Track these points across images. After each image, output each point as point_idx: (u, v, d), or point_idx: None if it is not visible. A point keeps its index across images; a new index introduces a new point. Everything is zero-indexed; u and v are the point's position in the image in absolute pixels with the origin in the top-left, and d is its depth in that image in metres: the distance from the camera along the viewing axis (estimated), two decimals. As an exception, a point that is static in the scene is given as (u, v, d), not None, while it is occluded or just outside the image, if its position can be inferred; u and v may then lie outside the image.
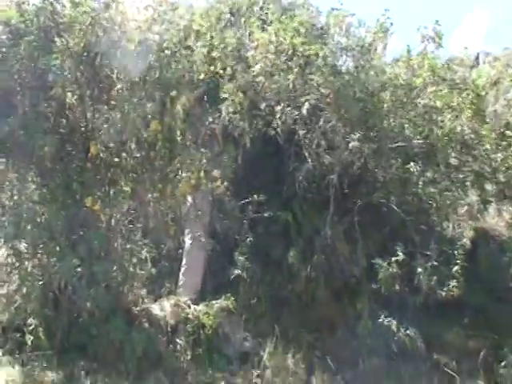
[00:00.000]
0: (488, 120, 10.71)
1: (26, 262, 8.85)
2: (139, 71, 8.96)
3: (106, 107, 8.86)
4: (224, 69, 9.84)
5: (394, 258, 10.06)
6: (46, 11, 8.68)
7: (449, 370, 9.78)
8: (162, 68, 9.08)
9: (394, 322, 10.17)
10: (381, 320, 10.24)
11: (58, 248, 8.66)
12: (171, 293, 10.49)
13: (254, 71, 9.98)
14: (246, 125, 9.84)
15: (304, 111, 10.00)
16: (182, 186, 9.46)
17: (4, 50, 8.50)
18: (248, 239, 10.67)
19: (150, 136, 9.23)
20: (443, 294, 10.02)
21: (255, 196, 10.62)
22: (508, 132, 10.67)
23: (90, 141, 8.98)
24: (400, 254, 10.07)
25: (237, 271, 10.48)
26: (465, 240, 11.00)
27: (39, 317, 8.82)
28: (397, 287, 10.09)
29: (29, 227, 8.63)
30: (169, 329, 9.61)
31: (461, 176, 10.89)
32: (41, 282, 8.69)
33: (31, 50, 8.43)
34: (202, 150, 9.80)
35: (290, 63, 10.10)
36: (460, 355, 10.23)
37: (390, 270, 10.06)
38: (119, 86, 8.87)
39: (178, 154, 9.40)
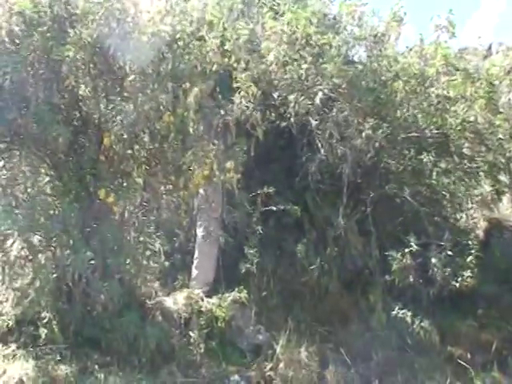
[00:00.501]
0: (501, 110, 10.62)
1: (40, 255, 8.77)
2: (152, 63, 8.87)
3: (118, 99, 8.75)
4: (237, 60, 9.74)
5: (407, 250, 9.99)
6: (60, 1, 8.58)
7: (463, 362, 9.72)
8: (174, 59, 8.97)
9: (409, 314, 10.13)
10: (395, 312, 10.19)
11: (71, 241, 8.55)
12: (184, 286, 10.44)
13: (267, 61, 9.89)
14: (259, 116, 9.74)
15: (317, 101, 9.91)
16: (195, 177, 9.37)
17: (17, 41, 8.38)
18: (259, 232, 10.58)
19: (162, 128, 9.16)
20: (457, 284, 9.98)
21: (267, 188, 10.55)
22: (522, 122, 10.59)
23: (104, 132, 8.90)
24: (413, 245, 10.01)
25: (248, 264, 10.43)
26: (478, 230, 11.01)
27: (53, 310, 8.76)
28: (411, 279, 10.05)
29: (42, 220, 8.55)
30: (182, 322, 9.59)
31: (474, 166, 10.84)
32: (54, 275, 8.62)
33: (45, 40, 8.31)
34: (215, 141, 9.73)
35: (302, 53, 10.02)
36: (474, 347, 10.18)
37: (404, 261, 10.00)
38: (132, 78, 8.76)
39: (190, 146, 9.30)
